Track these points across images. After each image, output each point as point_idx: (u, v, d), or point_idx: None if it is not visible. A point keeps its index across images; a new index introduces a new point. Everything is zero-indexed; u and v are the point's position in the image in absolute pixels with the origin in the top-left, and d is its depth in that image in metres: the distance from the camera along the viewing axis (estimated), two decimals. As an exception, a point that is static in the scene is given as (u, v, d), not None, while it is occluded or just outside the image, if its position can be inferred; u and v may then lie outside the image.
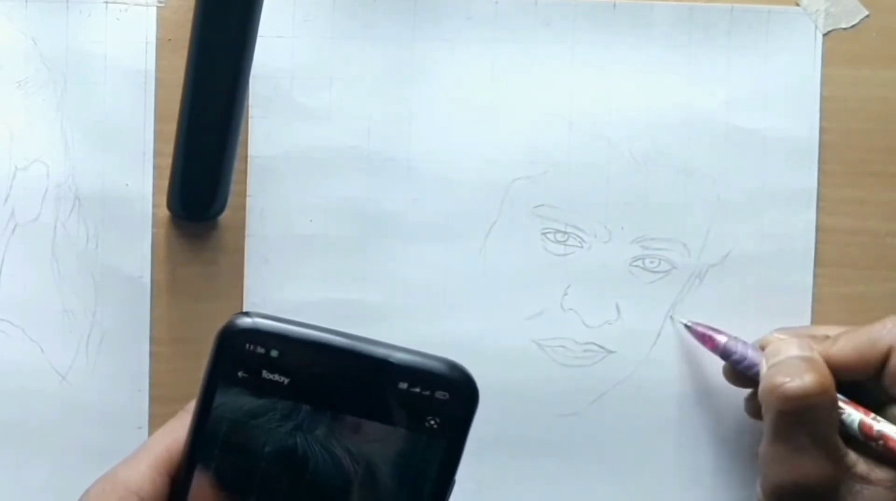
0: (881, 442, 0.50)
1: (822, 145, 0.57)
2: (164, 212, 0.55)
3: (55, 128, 0.55)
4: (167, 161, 0.54)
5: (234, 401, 0.39)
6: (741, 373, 0.53)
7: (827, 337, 0.52)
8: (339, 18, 0.56)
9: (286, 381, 0.38)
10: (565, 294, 0.56)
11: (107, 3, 0.55)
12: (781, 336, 0.53)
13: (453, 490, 0.40)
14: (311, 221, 0.56)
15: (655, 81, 0.57)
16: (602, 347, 0.57)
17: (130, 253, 0.55)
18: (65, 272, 0.55)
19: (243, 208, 0.56)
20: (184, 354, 0.55)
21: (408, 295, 0.56)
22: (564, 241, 0.57)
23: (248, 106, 0.55)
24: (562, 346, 0.56)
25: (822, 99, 0.57)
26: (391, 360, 0.38)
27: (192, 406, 0.40)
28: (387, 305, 0.56)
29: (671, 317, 0.56)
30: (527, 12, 0.56)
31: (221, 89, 0.51)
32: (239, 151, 0.54)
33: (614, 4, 0.57)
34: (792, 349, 0.51)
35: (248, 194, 0.56)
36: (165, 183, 0.54)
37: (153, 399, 0.55)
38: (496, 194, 0.56)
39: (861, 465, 0.49)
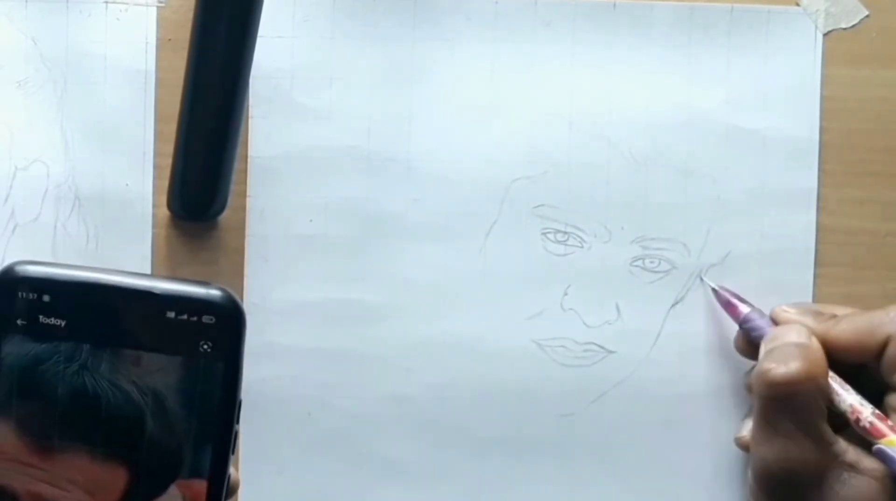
0: (867, 434, 0.50)
1: (822, 145, 0.57)
2: (164, 212, 0.55)
3: (55, 128, 0.55)
4: (167, 161, 0.54)
5: (19, 349, 0.40)
6: (748, 342, 0.54)
7: (833, 316, 0.52)
8: (339, 18, 0.56)
9: (63, 323, 0.40)
10: (565, 294, 0.56)
11: (107, 3, 0.55)
12: (787, 309, 0.53)
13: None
14: (311, 221, 0.56)
15: (655, 81, 0.57)
16: (602, 347, 0.57)
17: (130, 253, 0.55)
18: (65, 272, 0.55)
19: (243, 208, 0.56)
20: (184, 354, 0.55)
21: (408, 295, 0.56)
22: (564, 241, 0.57)
23: (248, 106, 0.55)
24: (562, 346, 0.56)
25: (822, 99, 0.57)
26: (155, 291, 0.40)
27: None
28: (387, 305, 0.56)
29: (700, 278, 0.56)
30: (527, 12, 0.56)
31: (221, 89, 0.51)
32: (239, 151, 0.54)
33: (614, 4, 0.57)
34: (790, 335, 0.51)
35: (248, 194, 0.56)
36: (165, 183, 0.54)
37: (153, 399, 0.55)
38: (496, 194, 0.56)
39: (850, 453, 0.49)
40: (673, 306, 0.57)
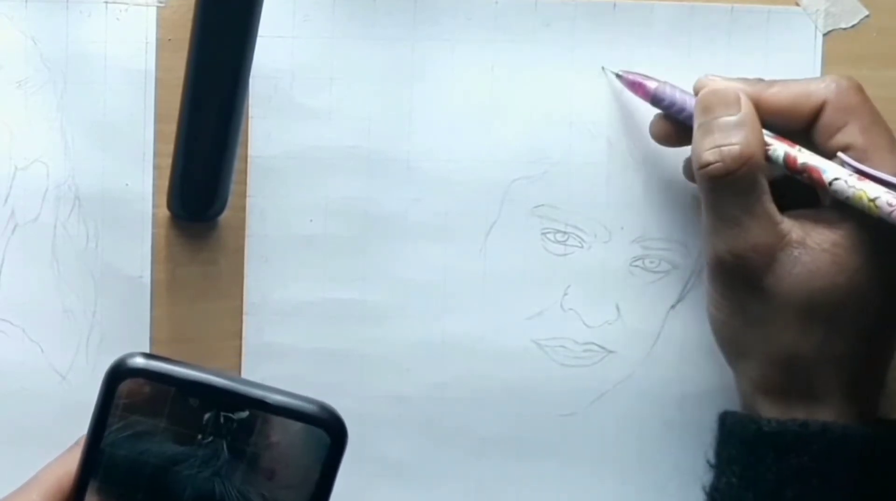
0: (805, 175, 0.50)
1: (822, 145, 0.57)
2: (164, 212, 0.55)
3: (55, 128, 0.55)
4: (167, 161, 0.54)
5: (121, 437, 0.41)
6: (673, 125, 0.53)
7: (761, 80, 0.52)
8: (339, 18, 0.56)
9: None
10: (565, 294, 0.56)
11: (107, 3, 0.55)
12: (713, 77, 0.52)
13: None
14: (311, 221, 0.56)
15: (655, 81, 0.57)
16: (602, 347, 0.57)
17: (130, 253, 0.55)
18: (65, 272, 0.55)
19: (243, 208, 0.56)
20: (184, 354, 0.55)
21: (408, 295, 0.56)
22: (564, 241, 0.57)
23: (248, 106, 0.55)
24: (562, 346, 0.56)
25: (822, 99, 0.57)
26: (267, 400, 0.41)
27: (82, 440, 0.42)
28: (387, 305, 0.56)
29: (602, 67, 0.56)
30: (527, 12, 0.56)
31: (221, 89, 0.51)
32: (239, 151, 0.54)
33: (614, 4, 0.57)
34: (721, 103, 0.50)
35: (248, 194, 0.56)
36: (165, 183, 0.54)
37: (153, 399, 0.55)
38: (496, 194, 0.56)
39: (796, 230, 0.49)
40: (673, 306, 0.57)
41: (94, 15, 0.55)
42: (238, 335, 0.56)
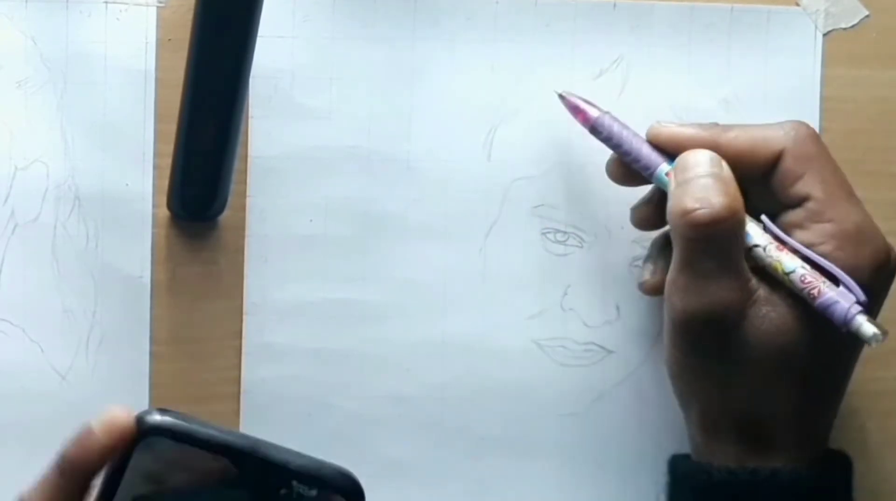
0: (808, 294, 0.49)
1: (822, 145, 0.57)
2: (164, 212, 0.55)
3: (55, 128, 0.55)
4: (167, 161, 0.54)
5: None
6: (623, 166, 0.52)
7: (716, 124, 0.51)
8: (339, 18, 0.56)
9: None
10: (565, 294, 0.56)
11: (107, 3, 0.55)
12: (666, 124, 0.51)
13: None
14: (311, 221, 0.56)
15: (655, 81, 0.57)
16: (602, 347, 0.57)
17: (130, 253, 0.55)
18: (65, 272, 0.55)
19: (243, 208, 0.56)
20: (184, 354, 0.55)
21: (408, 295, 0.56)
22: (564, 241, 0.57)
23: (248, 106, 0.55)
24: (562, 346, 0.56)
25: (822, 99, 0.57)
26: (290, 466, 0.41)
27: (52, 470, 0.42)
28: (387, 305, 0.56)
29: (555, 91, 0.54)
30: (527, 12, 0.56)
31: (221, 89, 0.51)
32: (239, 151, 0.54)
33: (614, 4, 0.57)
34: (701, 163, 0.49)
35: (248, 194, 0.56)
36: (165, 183, 0.54)
37: (153, 399, 0.55)
38: (496, 194, 0.56)
39: (764, 289, 0.49)
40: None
41: (94, 15, 0.55)
42: (238, 335, 0.56)
